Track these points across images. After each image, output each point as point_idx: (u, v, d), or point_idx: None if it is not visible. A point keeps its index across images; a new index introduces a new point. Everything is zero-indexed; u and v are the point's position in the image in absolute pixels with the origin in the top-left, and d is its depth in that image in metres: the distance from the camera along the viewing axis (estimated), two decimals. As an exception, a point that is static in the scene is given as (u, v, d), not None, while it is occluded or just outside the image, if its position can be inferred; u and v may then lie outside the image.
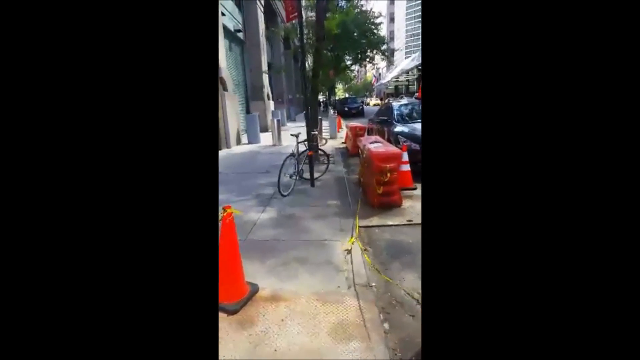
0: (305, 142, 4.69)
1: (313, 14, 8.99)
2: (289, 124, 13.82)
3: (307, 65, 7.50)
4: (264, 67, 11.56)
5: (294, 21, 5.59)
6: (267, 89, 11.72)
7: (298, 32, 4.81)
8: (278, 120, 8.69)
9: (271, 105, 12.15)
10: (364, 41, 13.26)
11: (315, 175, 4.67)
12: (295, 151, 4.51)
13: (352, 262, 2.40)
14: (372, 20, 13.72)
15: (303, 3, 6.31)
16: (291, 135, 4.83)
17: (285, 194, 4.07)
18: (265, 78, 11.68)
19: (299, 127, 5.23)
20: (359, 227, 3.08)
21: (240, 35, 10.80)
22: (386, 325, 1.78)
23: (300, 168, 4.57)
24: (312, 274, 2.28)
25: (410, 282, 2.23)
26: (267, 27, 12.34)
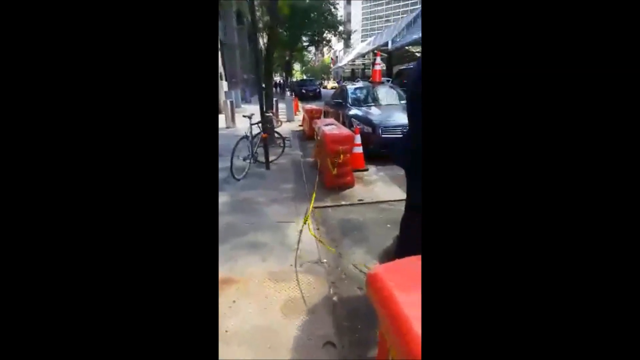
0: (260, 124, 4.60)
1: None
2: (244, 106, 13.36)
3: (261, 43, 7.25)
4: (216, 44, 10.94)
5: (245, -4, 5.35)
6: (219, 68, 11.15)
7: (249, 8, 4.60)
8: (231, 102, 8.37)
9: (224, 85, 11.61)
10: (319, 22, 13.09)
11: (271, 158, 4.62)
12: (248, 133, 4.41)
13: (303, 242, 2.46)
14: (328, 1, 13.55)
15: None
16: (244, 116, 4.70)
17: (238, 177, 3.99)
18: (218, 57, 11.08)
19: (254, 109, 5.10)
20: (314, 208, 3.14)
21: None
22: (335, 299, 1.88)
23: (254, 151, 4.49)
24: (265, 255, 2.31)
25: (359, 256, 2.35)
26: (218, 1, 11.60)
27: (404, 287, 1.01)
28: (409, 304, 0.92)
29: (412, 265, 1.10)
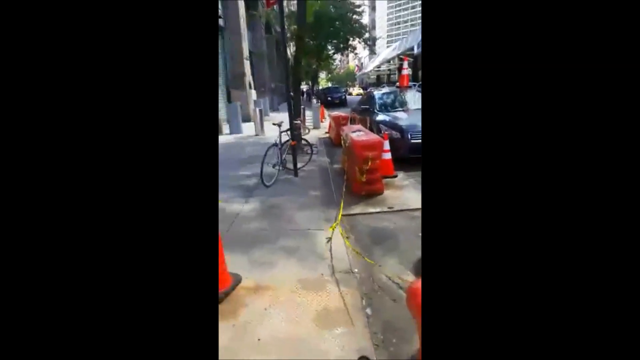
0: (288, 132, 4.64)
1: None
2: (272, 114, 13.63)
3: (289, 52, 7.39)
4: (245, 53, 11.24)
5: (274, 7, 5.48)
6: (248, 77, 11.45)
7: (279, 18, 4.70)
8: (260, 110, 8.54)
9: (253, 94, 11.90)
10: (344, 30, 13.15)
11: (299, 165, 4.64)
12: (278, 141, 4.46)
13: (333, 250, 2.42)
14: (353, 8, 13.62)
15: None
16: (273, 124, 4.77)
17: (268, 184, 4.04)
18: (247, 66, 11.39)
19: (282, 117, 5.19)
20: (343, 215, 3.10)
21: (220, 20, 10.44)
22: (369, 310, 1.82)
23: (283, 158, 4.53)
24: (295, 263, 2.29)
25: (392, 266, 2.28)
26: (247, 11, 11.97)
27: None
28: None
29: None
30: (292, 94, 5.49)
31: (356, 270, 2.20)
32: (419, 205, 3.33)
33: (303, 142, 5.47)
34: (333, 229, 2.71)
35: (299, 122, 5.71)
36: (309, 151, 5.26)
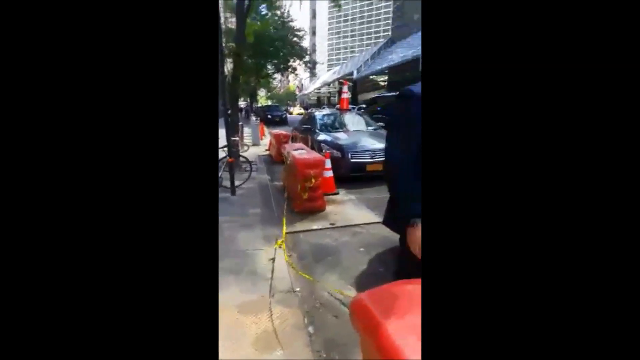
0: (225, 148, 4.48)
1: (230, 16, 8.74)
2: (209, 130, 13.07)
3: (226, 69, 7.26)
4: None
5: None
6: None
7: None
8: (196, 126, 8.14)
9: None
10: (285, 51, 13.48)
11: (237, 183, 4.48)
12: (214, 157, 4.26)
13: (274, 269, 2.35)
14: (294, 32, 14.09)
15: (221, 4, 6.13)
16: (210, 140, 4.56)
17: (204, 202, 3.79)
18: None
19: (219, 133, 5.01)
20: (285, 232, 3.04)
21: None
22: (310, 329, 1.77)
23: (219, 175, 4.33)
24: (234, 285, 2.15)
25: (334, 282, 2.28)
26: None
27: (392, 314, 0.97)
28: (398, 332, 0.87)
29: (398, 291, 1.06)
30: (229, 110, 5.36)
31: (298, 288, 2.15)
32: (360, 221, 3.44)
33: (241, 158, 5.33)
34: (279, 246, 2.64)
35: (237, 138, 5.57)
36: (248, 168, 5.13)
